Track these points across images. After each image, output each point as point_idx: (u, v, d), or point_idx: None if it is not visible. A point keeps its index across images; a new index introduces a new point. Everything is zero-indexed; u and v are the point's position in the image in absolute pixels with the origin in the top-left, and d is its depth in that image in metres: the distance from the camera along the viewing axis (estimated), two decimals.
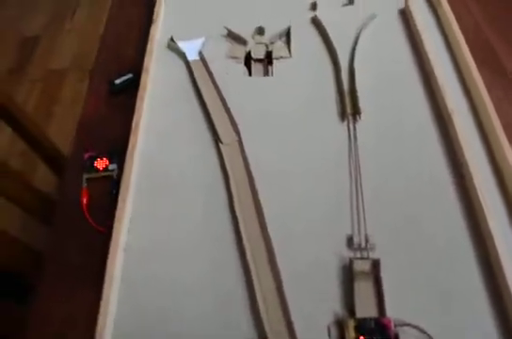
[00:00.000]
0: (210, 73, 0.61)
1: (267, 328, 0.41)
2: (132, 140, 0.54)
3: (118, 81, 0.70)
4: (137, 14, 0.83)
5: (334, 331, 0.42)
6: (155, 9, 0.68)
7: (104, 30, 0.82)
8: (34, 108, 1.51)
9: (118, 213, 0.48)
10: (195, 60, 0.63)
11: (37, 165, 1.31)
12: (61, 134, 1.42)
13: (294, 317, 0.42)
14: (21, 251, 0.73)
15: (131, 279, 0.46)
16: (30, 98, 1.55)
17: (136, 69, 0.71)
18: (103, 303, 0.43)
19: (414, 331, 0.42)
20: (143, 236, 0.49)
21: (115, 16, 0.84)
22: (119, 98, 0.70)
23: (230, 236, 0.48)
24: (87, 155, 0.62)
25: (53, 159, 0.88)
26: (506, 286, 0.42)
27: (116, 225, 0.47)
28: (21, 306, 0.79)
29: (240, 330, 0.42)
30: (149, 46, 0.62)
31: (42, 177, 1.11)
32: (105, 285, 0.44)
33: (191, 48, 0.65)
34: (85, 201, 0.58)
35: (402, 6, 0.69)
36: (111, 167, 0.61)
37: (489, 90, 0.58)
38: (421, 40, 0.63)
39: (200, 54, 0.64)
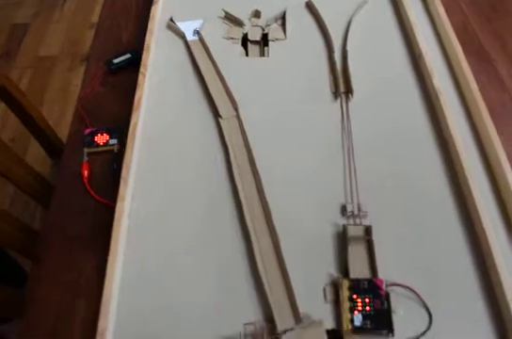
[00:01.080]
0: (209, 53, 0.63)
1: (269, 294, 0.44)
2: (134, 117, 0.55)
3: (116, 60, 0.72)
4: None
5: (330, 292, 0.45)
6: None
7: (101, 13, 0.83)
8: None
9: (121, 190, 0.50)
10: (194, 40, 0.65)
11: (29, 145, 1.31)
12: (51, 120, 1.42)
13: (292, 280, 0.45)
14: (15, 228, 0.74)
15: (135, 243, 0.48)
16: (20, 84, 1.54)
17: (134, 49, 0.73)
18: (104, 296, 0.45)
19: (404, 291, 0.44)
20: (145, 206, 0.51)
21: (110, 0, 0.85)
22: (116, 77, 0.71)
23: (228, 202, 0.50)
24: (87, 131, 0.64)
25: (48, 140, 0.89)
26: (489, 248, 0.45)
27: (120, 195, 0.49)
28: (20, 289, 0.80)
29: (243, 307, 0.44)
30: (150, 25, 0.64)
31: (35, 157, 1.11)
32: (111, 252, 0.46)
33: (190, 29, 0.67)
34: (86, 173, 0.60)
35: None
36: (111, 141, 0.62)
37: (475, 76, 0.61)
38: (409, 25, 0.66)
39: (199, 34, 0.66)
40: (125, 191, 0.50)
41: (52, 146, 0.90)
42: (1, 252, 0.88)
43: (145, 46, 0.62)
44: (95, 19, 1.77)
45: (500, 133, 0.54)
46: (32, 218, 1.08)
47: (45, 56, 1.66)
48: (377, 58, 0.64)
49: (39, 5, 1.85)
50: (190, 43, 0.65)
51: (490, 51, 0.72)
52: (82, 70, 1.60)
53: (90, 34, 1.72)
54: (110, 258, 0.46)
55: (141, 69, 0.60)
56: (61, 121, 1.45)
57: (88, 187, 0.58)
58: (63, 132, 1.26)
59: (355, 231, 0.48)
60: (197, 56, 0.63)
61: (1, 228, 0.70)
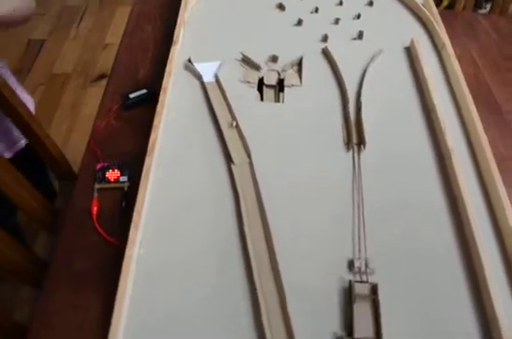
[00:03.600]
0: (224, 96, 0.64)
1: None
2: (147, 160, 0.56)
3: (132, 95, 0.73)
4: (152, 31, 0.86)
5: None
6: (176, 31, 0.71)
7: (119, 47, 0.84)
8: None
9: (131, 235, 0.50)
10: (210, 82, 0.67)
11: None
12: (59, 137, 1.43)
13: (296, 336, 0.44)
14: (22, 255, 0.73)
15: (141, 292, 0.48)
16: None
17: (150, 85, 0.74)
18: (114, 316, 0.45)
19: None
20: (154, 252, 0.51)
21: (130, 32, 0.87)
22: (131, 112, 0.72)
23: (237, 254, 0.50)
24: (99, 166, 0.64)
25: (56, 163, 0.89)
26: (494, 312, 0.45)
27: (129, 245, 0.49)
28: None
29: None
30: (168, 67, 0.65)
31: None
32: (118, 298, 0.46)
33: (207, 70, 0.68)
34: (95, 210, 0.60)
35: (407, 44, 0.74)
36: (122, 178, 0.63)
37: (486, 129, 0.62)
38: (424, 78, 0.67)
39: (216, 76, 0.67)
40: (135, 236, 0.50)
41: (59, 169, 0.91)
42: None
43: (162, 88, 0.63)
44: (109, 39, 1.82)
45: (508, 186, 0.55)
46: (33, 240, 1.08)
47: (58, 73, 1.68)
48: (391, 110, 0.65)
49: (56, 22, 1.89)
50: (207, 85, 0.66)
51: (502, 103, 0.74)
52: (93, 89, 1.63)
53: (104, 54, 1.76)
54: (116, 307, 0.45)
55: (158, 109, 0.61)
56: (68, 139, 1.46)
57: (97, 225, 0.58)
58: (70, 152, 1.27)
59: (361, 288, 0.48)
60: (212, 99, 0.64)
61: (3, 252, 0.70)
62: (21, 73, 1.66)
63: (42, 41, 1.80)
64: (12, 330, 0.70)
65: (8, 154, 0.85)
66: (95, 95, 1.56)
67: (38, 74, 1.67)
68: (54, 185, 1.01)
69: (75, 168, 0.94)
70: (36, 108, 0.91)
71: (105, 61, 1.69)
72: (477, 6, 1.65)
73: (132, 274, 0.49)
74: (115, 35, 1.78)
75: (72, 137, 1.46)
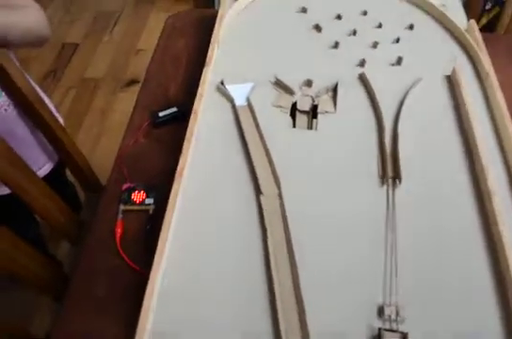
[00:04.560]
0: (256, 121, 0.63)
1: None
2: (175, 187, 0.55)
3: (161, 114, 0.72)
4: (185, 46, 0.85)
5: None
6: (209, 51, 0.70)
7: (151, 61, 0.83)
8: (65, 116, 1.54)
9: (154, 264, 0.49)
10: (242, 106, 0.65)
11: None
12: (87, 143, 1.44)
13: None
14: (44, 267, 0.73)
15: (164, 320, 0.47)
16: (63, 104, 1.58)
17: (181, 102, 0.73)
18: None
19: None
20: (177, 283, 0.50)
21: (163, 46, 0.86)
22: (160, 130, 0.71)
23: (263, 293, 0.49)
24: (125, 186, 0.64)
25: (81, 172, 0.89)
26: None
27: (151, 276, 0.48)
28: None
29: None
30: (200, 89, 0.64)
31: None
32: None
33: (239, 93, 0.66)
34: (119, 232, 0.59)
35: (448, 72, 0.71)
36: (147, 201, 0.62)
37: None
38: (465, 110, 0.64)
39: (248, 100, 0.66)
40: (159, 267, 0.49)
41: (86, 181, 0.91)
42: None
43: (193, 111, 0.62)
44: (141, 45, 1.83)
45: None
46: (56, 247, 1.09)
47: (90, 77, 1.70)
48: (429, 142, 0.62)
49: (91, 26, 1.91)
50: (238, 109, 0.65)
51: None
52: (123, 95, 1.64)
53: (135, 59, 1.77)
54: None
55: (187, 135, 0.60)
56: (97, 145, 1.47)
57: (120, 249, 0.58)
58: (97, 159, 1.28)
59: (390, 337, 0.46)
60: (244, 124, 0.63)
61: (25, 264, 0.70)
62: (54, 76, 1.69)
63: (76, 45, 1.82)
64: None
65: (48, 167, 0.85)
66: (125, 101, 1.57)
67: (70, 78, 1.69)
68: (79, 196, 1.02)
69: (101, 177, 0.94)
70: (65, 114, 0.92)
71: (136, 67, 1.70)
72: None
73: (154, 305, 0.48)
74: (147, 41, 1.78)
75: (100, 143, 1.47)
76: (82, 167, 0.88)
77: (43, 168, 0.84)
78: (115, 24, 1.90)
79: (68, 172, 0.96)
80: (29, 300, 1.04)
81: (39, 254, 0.73)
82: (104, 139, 1.48)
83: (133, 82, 1.65)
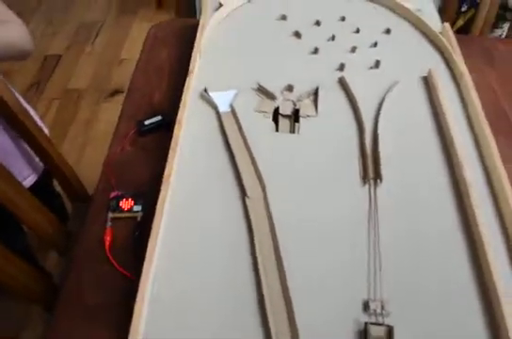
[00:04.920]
0: (239, 127, 0.64)
1: None
2: (162, 193, 0.56)
3: (147, 122, 0.73)
4: (167, 56, 0.87)
5: None
6: (191, 60, 0.71)
7: (135, 71, 0.85)
8: (50, 126, 1.54)
9: (145, 268, 0.50)
10: (226, 112, 0.66)
11: None
12: (72, 153, 1.44)
13: None
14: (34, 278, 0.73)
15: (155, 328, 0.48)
16: (47, 115, 1.58)
17: (166, 110, 0.74)
18: None
19: None
20: (168, 288, 0.50)
21: (145, 57, 0.87)
22: (146, 138, 0.72)
23: (251, 291, 0.50)
24: (112, 194, 0.64)
25: (68, 182, 0.90)
26: None
27: (142, 279, 0.49)
28: None
29: None
30: (183, 98, 0.65)
31: None
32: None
33: (223, 100, 0.68)
34: (108, 240, 0.60)
35: (425, 74, 0.73)
36: (135, 208, 0.63)
37: (505, 161, 0.61)
38: (441, 109, 0.67)
39: (231, 106, 0.67)
40: (149, 272, 0.50)
41: (73, 191, 0.91)
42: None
43: (177, 120, 0.63)
44: (124, 55, 1.84)
45: None
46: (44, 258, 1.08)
47: (73, 88, 1.70)
48: (408, 142, 0.64)
49: (73, 37, 1.92)
50: (222, 115, 0.66)
51: None
52: (107, 105, 1.65)
53: (119, 69, 1.78)
54: None
55: (172, 144, 0.61)
56: (83, 155, 1.47)
57: (110, 256, 0.58)
58: (83, 168, 1.28)
59: (377, 331, 0.47)
60: (228, 130, 0.64)
61: (14, 275, 0.70)
62: (37, 88, 1.69)
63: (59, 57, 1.82)
64: None
65: (33, 177, 0.85)
66: (109, 111, 1.57)
67: (53, 89, 1.69)
68: (66, 207, 1.02)
69: (88, 187, 0.94)
70: (49, 124, 0.92)
71: (120, 77, 1.71)
72: (494, 26, 1.64)
73: (145, 313, 0.48)
74: (130, 51, 1.80)
75: (86, 153, 1.47)
76: (69, 177, 0.88)
77: (28, 178, 0.85)
78: (97, 34, 1.91)
79: (55, 183, 0.96)
80: (20, 310, 1.03)
81: (28, 266, 0.73)
82: (89, 149, 1.48)
83: (116, 92, 1.66)
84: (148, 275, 0.50)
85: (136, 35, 1.84)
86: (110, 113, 1.56)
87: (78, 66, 1.78)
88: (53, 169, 0.85)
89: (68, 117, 1.59)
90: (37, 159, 0.86)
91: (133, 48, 1.80)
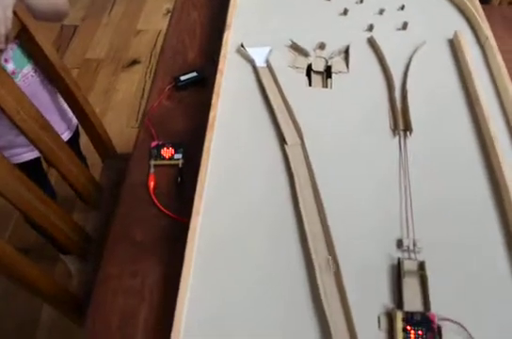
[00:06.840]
0: (276, 81, 0.67)
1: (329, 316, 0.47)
2: (208, 135, 0.59)
3: (183, 78, 0.76)
4: (198, 17, 0.89)
5: (384, 321, 0.48)
6: (228, 16, 0.74)
7: (166, 31, 0.87)
8: None
9: (195, 206, 0.53)
10: (262, 67, 0.69)
11: None
12: None
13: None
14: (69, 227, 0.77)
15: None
16: None
17: (199, 68, 0.77)
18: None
19: (455, 326, 0.47)
20: (214, 228, 0.55)
21: (177, 18, 0.90)
22: (182, 93, 0.75)
23: (292, 230, 0.54)
24: (153, 144, 0.68)
25: (99, 137, 0.92)
26: None
27: (193, 216, 0.53)
28: None
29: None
30: (223, 50, 0.68)
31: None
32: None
33: (259, 55, 0.71)
34: (152, 185, 0.63)
35: (450, 36, 0.76)
36: (176, 156, 0.66)
37: None
38: (467, 69, 0.69)
39: (267, 61, 0.70)
40: (199, 207, 0.53)
41: (104, 147, 0.94)
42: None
43: (218, 69, 0.66)
44: (140, 26, 1.85)
45: None
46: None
47: (91, 58, 1.72)
48: (435, 99, 0.67)
49: (88, 8, 1.92)
50: (259, 69, 0.69)
51: None
52: (125, 75, 1.66)
53: (135, 40, 1.79)
54: (184, 274, 0.49)
55: (215, 89, 0.64)
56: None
57: (155, 199, 0.62)
58: None
59: (410, 265, 0.51)
60: (265, 83, 0.67)
61: (57, 226, 0.74)
62: None
63: (75, 27, 1.83)
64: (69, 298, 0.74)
65: (67, 134, 0.88)
66: (127, 81, 1.59)
67: (71, 59, 1.71)
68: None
69: None
70: None
71: (137, 48, 1.72)
72: None
73: (196, 244, 0.52)
74: (147, 22, 1.80)
75: (104, 122, 1.49)
76: (101, 133, 0.91)
77: (63, 135, 0.88)
78: (112, 5, 1.91)
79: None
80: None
81: (65, 214, 0.77)
82: (107, 118, 1.50)
83: (134, 62, 1.67)
84: (199, 207, 0.53)
85: (152, 7, 1.85)
86: (128, 83, 1.58)
87: (95, 37, 1.80)
88: (87, 127, 0.88)
89: (86, 86, 1.61)
90: (69, 117, 0.89)
91: (149, 19, 1.81)
